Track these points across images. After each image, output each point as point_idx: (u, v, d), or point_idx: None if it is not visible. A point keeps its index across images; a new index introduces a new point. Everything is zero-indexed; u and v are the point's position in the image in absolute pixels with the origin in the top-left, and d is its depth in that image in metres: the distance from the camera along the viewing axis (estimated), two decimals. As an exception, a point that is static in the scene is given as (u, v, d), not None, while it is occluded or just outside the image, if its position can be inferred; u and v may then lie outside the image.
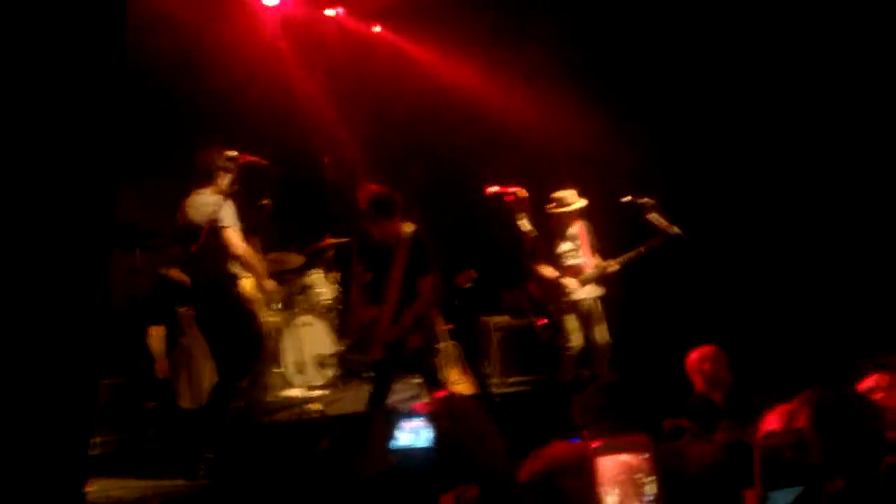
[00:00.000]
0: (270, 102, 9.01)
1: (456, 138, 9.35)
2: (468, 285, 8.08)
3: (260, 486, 5.43)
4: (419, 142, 9.47)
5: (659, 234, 7.11)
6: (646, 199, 7.21)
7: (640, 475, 2.65)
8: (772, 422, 4.19)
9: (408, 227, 5.93)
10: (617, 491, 2.62)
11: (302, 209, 8.86)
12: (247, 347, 6.16)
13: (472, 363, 7.68)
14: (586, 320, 7.30)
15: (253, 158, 6.21)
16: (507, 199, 7.16)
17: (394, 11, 9.48)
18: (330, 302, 8.19)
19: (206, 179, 5.94)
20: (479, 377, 7.69)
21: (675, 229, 7.11)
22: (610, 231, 7.53)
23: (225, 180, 5.90)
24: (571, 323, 7.26)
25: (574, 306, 7.28)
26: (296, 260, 7.92)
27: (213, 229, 5.75)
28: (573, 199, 7.35)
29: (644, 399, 4.54)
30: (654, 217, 7.13)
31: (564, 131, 8.63)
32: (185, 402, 6.88)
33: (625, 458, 2.64)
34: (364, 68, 9.61)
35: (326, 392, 7.71)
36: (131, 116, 7.08)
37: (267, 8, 9.03)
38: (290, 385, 7.62)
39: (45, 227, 3.76)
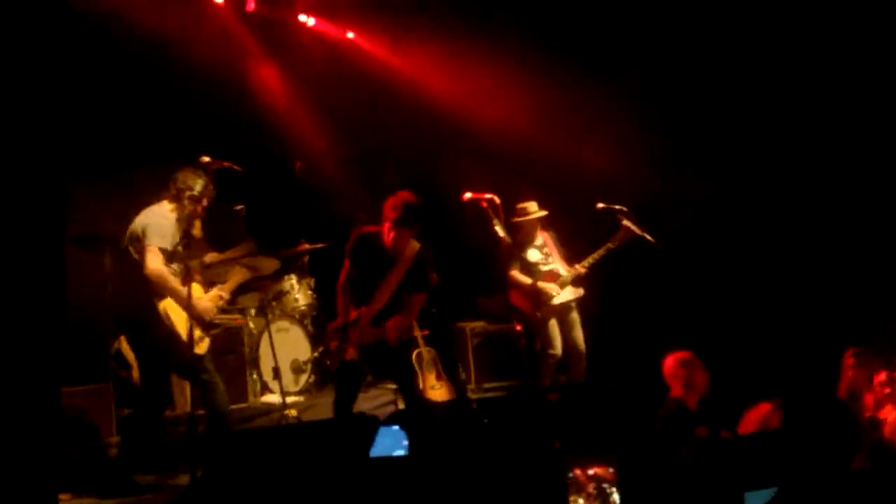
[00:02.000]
0: (244, 107, 9.00)
1: (432, 144, 9.40)
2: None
3: (237, 493, 5.40)
4: (394, 147, 9.50)
5: (633, 239, 7.23)
6: (619, 207, 7.33)
7: (606, 485, 2.74)
8: (748, 424, 4.27)
9: (415, 244, 5.83)
10: (585, 498, 2.71)
11: (275, 214, 8.85)
12: (161, 377, 5.97)
13: (448, 369, 7.70)
14: (565, 325, 7.38)
15: (227, 164, 6.16)
16: (481, 205, 7.22)
17: (368, 18, 9.51)
18: (305, 308, 8.20)
19: (170, 195, 5.77)
20: (455, 383, 7.72)
21: (648, 237, 7.23)
22: (584, 238, 7.60)
23: (187, 203, 5.72)
24: (554, 329, 7.35)
25: (556, 311, 7.36)
26: (270, 264, 7.87)
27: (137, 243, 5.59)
28: (533, 209, 7.53)
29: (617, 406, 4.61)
30: (627, 224, 7.24)
31: (541, 139, 8.72)
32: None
33: (593, 470, 2.73)
34: (338, 74, 9.62)
35: (301, 398, 7.72)
36: (97, 121, 7.15)
37: (242, 13, 9.02)
38: (267, 391, 7.63)
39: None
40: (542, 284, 7.32)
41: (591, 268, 7.37)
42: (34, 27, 3.92)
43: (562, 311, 7.40)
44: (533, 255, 7.49)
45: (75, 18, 5.75)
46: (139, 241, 5.57)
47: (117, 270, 5.79)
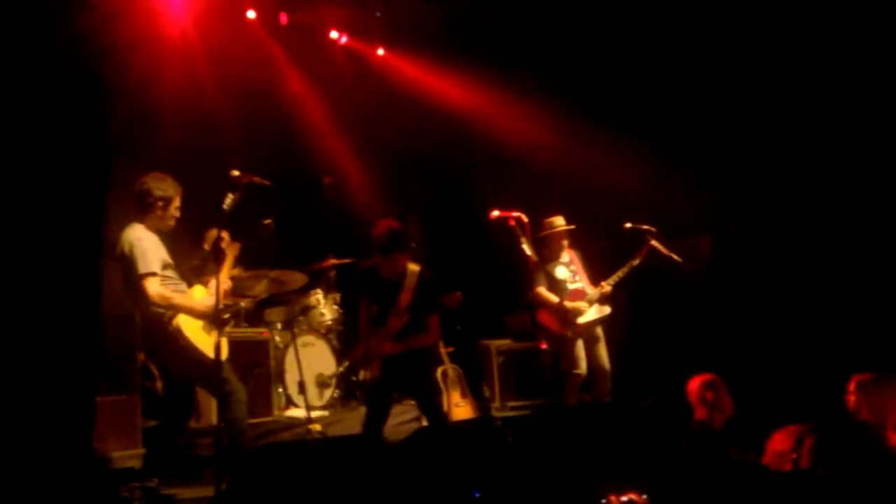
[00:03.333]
0: (273, 123, 9.06)
1: (460, 162, 9.42)
2: (455, 307, 8.13)
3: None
4: (423, 164, 9.53)
5: (658, 257, 7.23)
6: (647, 227, 7.33)
7: None
8: (779, 442, 4.20)
9: (414, 266, 5.91)
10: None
11: (303, 229, 8.89)
12: (184, 388, 5.91)
13: (473, 386, 7.68)
14: (590, 343, 7.36)
15: (256, 178, 6.17)
16: (509, 223, 7.22)
17: (398, 37, 9.57)
18: (331, 323, 8.22)
19: (140, 211, 5.62)
20: (480, 401, 7.71)
21: (676, 257, 7.21)
22: (611, 258, 7.59)
23: (162, 213, 5.61)
24: (580, 348, 7.32)
25: (583, 330, 7.34)
26: (298, 279, 7.93)
27: (133, 274, 5.47)
28: (559, 223, 7.56)
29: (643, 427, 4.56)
30: (655, 244, 7.23)
31: (569, 159, 8.72)
32: (190, 422, 6.83)
33: (627, 496, 2.70)
34: (368, 90, 9.68)
35: (326, 413, 7.73)
36: (126, 133, 7.21)
37: (273, 30, 9.10)
38: (292, 405, 7.64)
39: (33, 243, 3.79)
40: (569, 303, 7.31)
41: (617, 285, 7.37)
42: (72, 38, 3.99)
43: (587, 330, 7.39)
44: (560, 272, 7.49)
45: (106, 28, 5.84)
46: (133, 271, 5.47)
47: (129, 292, 5.72)
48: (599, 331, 7.44)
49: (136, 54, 7.43)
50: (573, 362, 7.30)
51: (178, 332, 5.55)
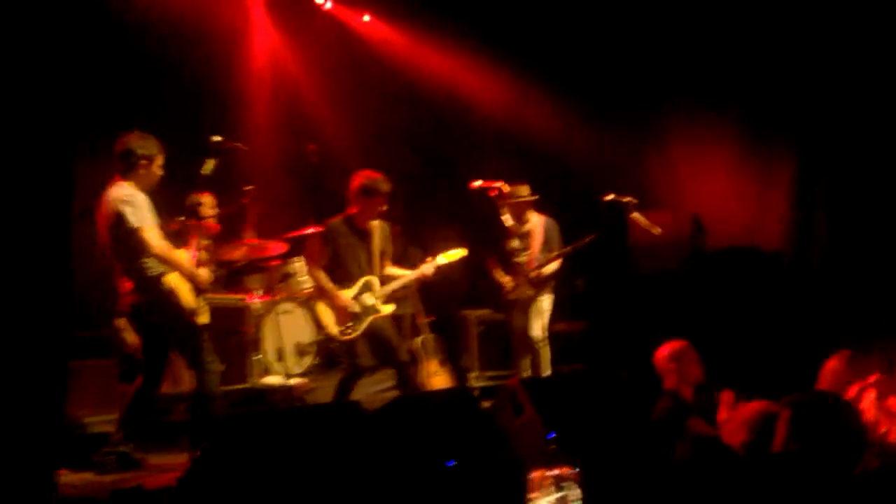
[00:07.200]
0: (257, 89, 8.99)
1: (444, 131, 9.38)
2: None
3: (237, 473, 5.41)
4: (406, 133, 9.48)
5: (639, 232, 7.20)
6: (628, 199, 7.25)
7: (568, 483, 2.70)
8: (739, 424, 4.18)
9: (378, 222, 6.38)
10: (545, 500, 2.68)
11: (286, 196, 8.85)
12: (162, 354, 5.91)
13: (452, 356, 7.69)
14: (528, 314, 7.29)
15: (236, 144, 6.14)
16: (490, 193, 7.18)
17: (384, 1, 9.49)
18: (311, 290, 8.18)
19: (124, 171, 5.59)
20: (458, 370, 7.72)
21: (657, 229, 7.16)
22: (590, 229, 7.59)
23: (146, 171, 5.59)
24: (517, 318, 7.29)
25: (513, 302, 7.31)
26: (277, 246, 7.91)
27: (125, 230, 5.46)
28: (522, 192, 7.35)
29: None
30: (636, 216, 7.18)
31: (549, 129, 8.70)
32: (165, 387, 6.82)
33: (555, 471, 2.70)
34: (353, 57, 9.61)
35: (305, 380, 7.73)
36: (102, 97, 7.14)
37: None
38: (269, 372, 7.63)
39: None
40: (500, 276, 7.31)
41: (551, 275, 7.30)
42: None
43: (526, 302, 7.29)
44: (515, 243, 7.32)
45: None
46: (124, 226, 5.46)
47: (115, 251, 5.66)
48: (543, 304, 7.34)
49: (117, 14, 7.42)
50: (511, 330, 7.29)
51: (171, 291, 5.54)
